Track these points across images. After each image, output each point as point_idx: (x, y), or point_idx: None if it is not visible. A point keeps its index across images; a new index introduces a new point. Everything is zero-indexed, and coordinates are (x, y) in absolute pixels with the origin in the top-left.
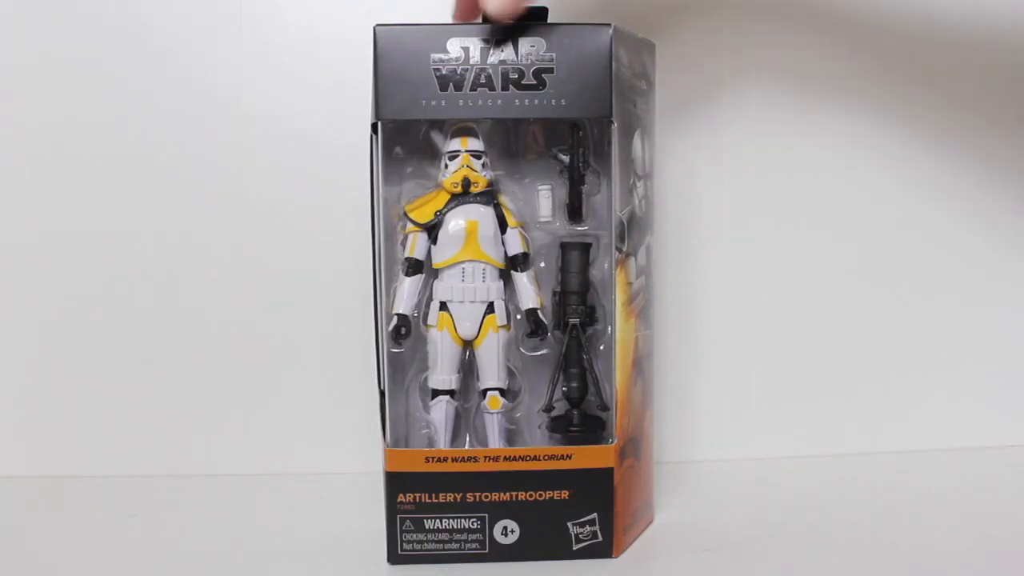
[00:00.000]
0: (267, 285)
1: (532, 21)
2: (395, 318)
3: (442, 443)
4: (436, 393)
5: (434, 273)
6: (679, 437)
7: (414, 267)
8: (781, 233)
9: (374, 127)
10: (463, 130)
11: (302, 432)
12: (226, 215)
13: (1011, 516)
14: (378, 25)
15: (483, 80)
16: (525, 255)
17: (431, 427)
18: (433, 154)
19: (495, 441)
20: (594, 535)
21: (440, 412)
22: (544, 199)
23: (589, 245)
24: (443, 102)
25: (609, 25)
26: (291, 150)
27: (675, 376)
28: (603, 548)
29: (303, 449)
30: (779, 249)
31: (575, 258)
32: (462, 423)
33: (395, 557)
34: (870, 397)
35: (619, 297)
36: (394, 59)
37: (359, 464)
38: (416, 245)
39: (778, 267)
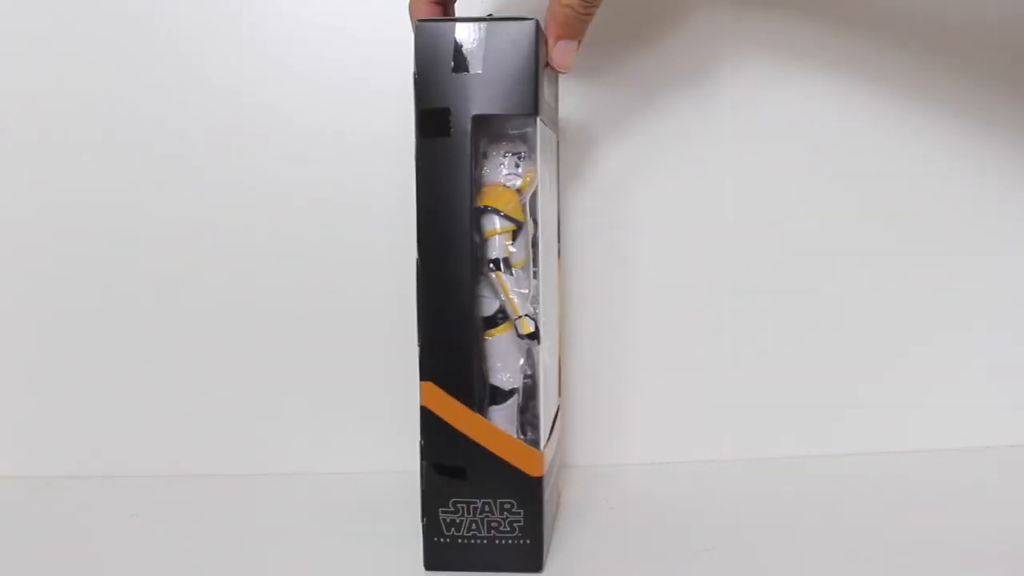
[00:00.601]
0: (267, 285)
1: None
2: (531, 320)
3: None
4: (514, 392)
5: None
6: (666, 437)
7: (508, 267)
8: (775, 227)
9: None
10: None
11: (303, 432)
12: (228, 215)
13: (1011, 516)
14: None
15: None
16: None
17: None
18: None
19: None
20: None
21: (514, 410)
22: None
23: None
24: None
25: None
26: (295, 149)
27: (664, 375)
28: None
29: (304, 449)
30: (777, 246)
31: None
32: None
33: (542, 565)
34: (868, 397)
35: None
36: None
37: (361, 464)
38: (506, 244)
39: (775, 264)
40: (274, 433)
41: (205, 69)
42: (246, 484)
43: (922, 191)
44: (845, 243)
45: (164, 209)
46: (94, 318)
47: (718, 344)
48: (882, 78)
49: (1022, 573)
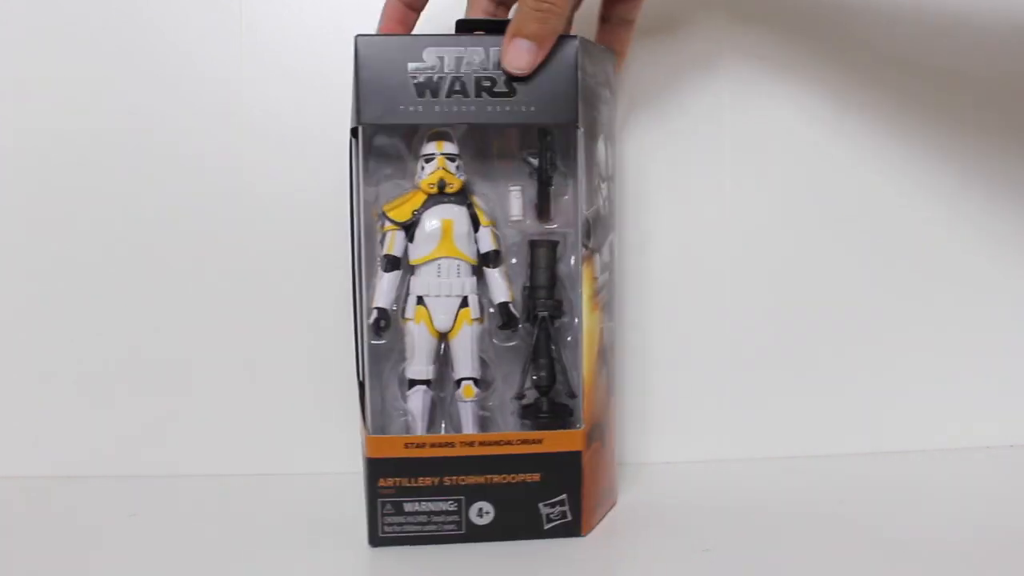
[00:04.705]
0: (266, 285)
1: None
2: (375, 312)
3: (419, 430)
4: (413, 383)
5: (411, 269)
6: (666, 437)
7: (392, 264)
8: (778, 230)
9: (354, 131)
10: (438, 134)
11: (302, 432)
12: (228, 216)
13: (1011, 516)
14: (359, 36)
15: (457, 87)
16: (496, 252)
17: (408, 415)
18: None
19: (469, 428)
20: (563, 515)
21: (417, 401)
22: (515, 199)
23: (556, 243)
24: (420, 108)
25: (575, 37)
26: (284, 150)
27: (663, 375)
28: (572, 527)
29: (303, 449)
30: (779, 248)
31: (543, 255)
32: (438, 411)
33: (376, 540)
34: (869, 397)
35: (585, 291)
36: (374, 67)
37: (360, 464)
38: (394, 243)
39: (776, 265)
40: (274, 433)
41: (203, 67)
42: (246, 484)
43: (921, 190)
44: (846, 243)
45: (162, 210)
46: (93, 319)
47: (718, 344)
48: (898, 85)
49: (1022, 573)
